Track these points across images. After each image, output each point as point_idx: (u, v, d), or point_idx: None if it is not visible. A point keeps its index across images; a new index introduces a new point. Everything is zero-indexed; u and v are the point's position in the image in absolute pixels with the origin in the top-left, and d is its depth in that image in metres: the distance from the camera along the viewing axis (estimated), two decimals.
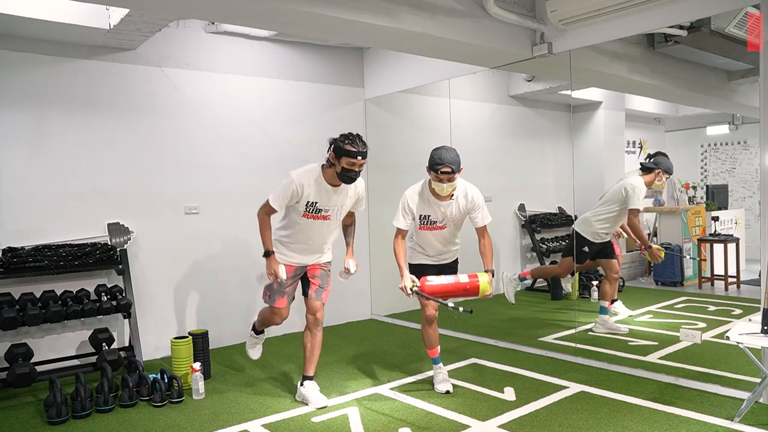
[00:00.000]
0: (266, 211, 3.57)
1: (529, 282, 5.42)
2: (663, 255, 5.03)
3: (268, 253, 3.57)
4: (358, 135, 3.45)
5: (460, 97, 6.18)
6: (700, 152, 7.22)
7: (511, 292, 5.25)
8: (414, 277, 3.57)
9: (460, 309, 3.37)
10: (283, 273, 3.58)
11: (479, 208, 3.70)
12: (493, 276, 3.58)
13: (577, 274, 5.81)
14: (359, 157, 3.40)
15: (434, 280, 3.55)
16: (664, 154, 5.00)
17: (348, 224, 3.91)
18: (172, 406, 3.70)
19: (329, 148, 3.44)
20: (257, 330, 4.08)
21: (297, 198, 3.51)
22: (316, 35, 4.89)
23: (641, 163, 5.06)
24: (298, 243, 3.66)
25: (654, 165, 4.91)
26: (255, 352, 4.09)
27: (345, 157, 3.39)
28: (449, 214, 3.71)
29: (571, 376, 4.01)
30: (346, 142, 3.38)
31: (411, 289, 3.52)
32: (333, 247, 3.88)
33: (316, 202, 3.54)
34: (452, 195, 3.67)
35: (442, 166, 3.49)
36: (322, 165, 3.55)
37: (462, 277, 3.57)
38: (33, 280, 4.25)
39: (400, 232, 3.74)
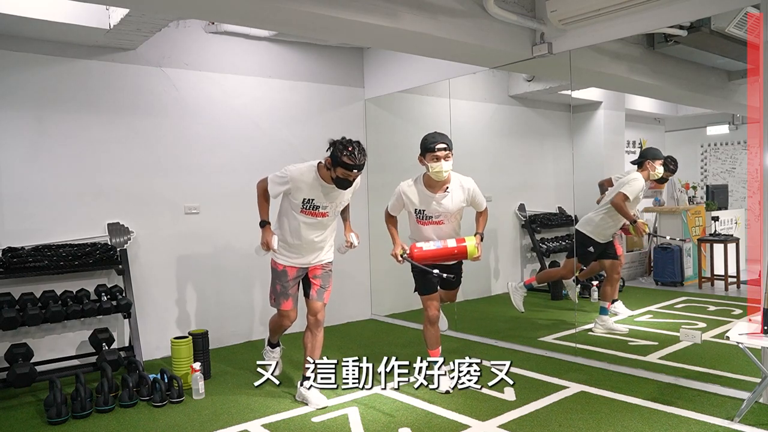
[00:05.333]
0: (264, 187, 3.67)
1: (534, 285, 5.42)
2: (647, 229, 5.04)
3: (263, 223, 3.66)
4: (357, 144, 3.40)
5: (460, 97, 6.18)
6: (700, 152, 7.22)
7: (519, 300, 5.22)
8: (404, 244, 3.71)
9: (444, 275, 3.61)
10: (275, 243, 3.62)
11: (477, 195, 3.84)
12: (481, 240, 3.71)
13: (578, 286, 5.81)
14: (355, 170, 3.39)
15: (423, 247, 3.67)
16: (650, 148, 5.10)
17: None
18: (172, 406, 3.70)
19: (328, 148, 3.43)
20: (272, 344, 4.10)
21: (289, 193, 3.56)
22: (316, 35, 4.89)
23: (631, 162, 5.17)
24: (299, 241, 3.65)
25: (641, 158, 5.00)
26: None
27: (340, 168, 3.37)
28: (444, 208, 3.73)
29: (571, 376, 4.01)
30: (345, 153, 3.33)
31: (401, 256, 3.66)
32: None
33: (313, 200, 3.55)
34: (446, 188, 3.70)
35: (437, 143, 3.60)
36: (319, 163, 3.55)
37: (450, 242, 3.69)
38: (33, 280, 4.25)
39: (390, 216, 3.93)
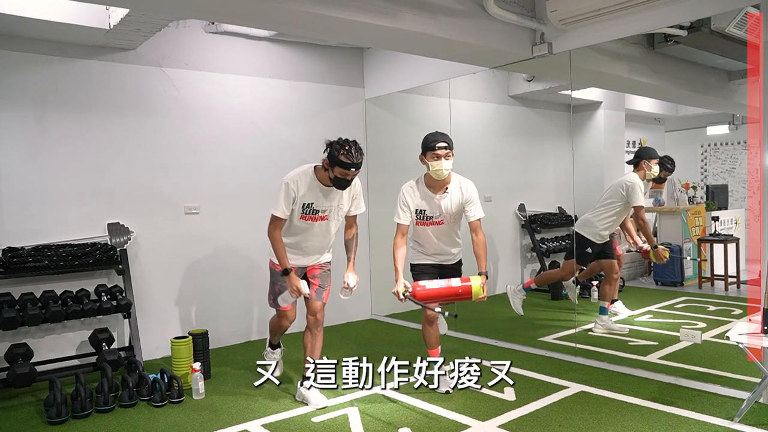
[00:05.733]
0: (275, 226, 3.53)
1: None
2: (668, 255, 5.04)
3: (287, 271, 3.52)
4: (354, 143, 3.39)
5: (460, 97, 6.18)
6: (700, 152, 7.22)
7: (518, 303, 5.20)
8: (407, 282, 3.58)
9: (446, 314, 3.49)
10: (305, 288, 3.54)
11: (473, 201, 3.73)
12: (487, 278, 3.56)
13: (578, 287, 5.81)
14: (353, 169, 3.39)
15: (426, 285, 3.54)
16: (645, 148, 5.11)
17: (349, 238, 3.85)
18: (172, 406, 3.70)
19: (325, 149, 3.43)
20: (273, 345, 4.11)
21: (295, 202, 3.51)
22: (316, 35, 4.89)
23: (627, 162, 5.17)
24: (298, 245, 3.65)
25: (637, 158, 5.00)
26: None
27: (338, 167, 3.37)
28: (444, 208, 3.72)
29: (571, 376, 4.01)
30: (342, 152, 3.32)
31: (403, 294, 3.52)
32: (333, 252, 3.88)
33: (312, 203, 3.54)
34: (446, 188, 3.69)
35: (437, 142, 3.59)
36: (315, 166, 3.55)
37: (454, 282, 3.56)
38: (33, 280, 4.25)
39: (400, 229, 3.75)
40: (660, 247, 4.98)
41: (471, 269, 3.71)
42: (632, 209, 4.89)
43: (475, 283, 3.50)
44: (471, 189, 3.75)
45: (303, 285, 3.54)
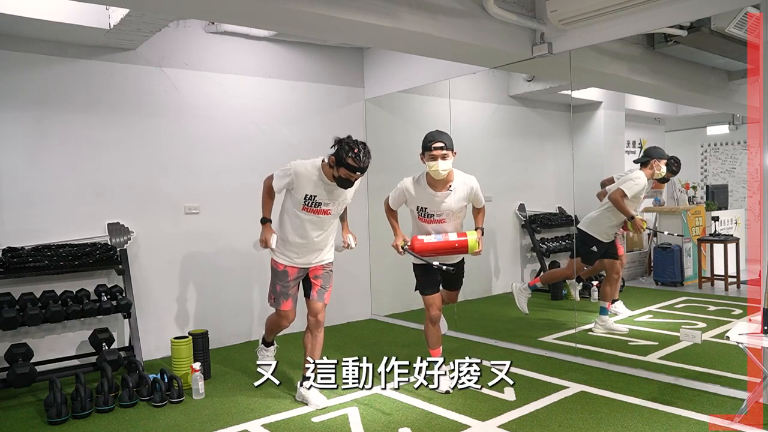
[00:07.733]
0: (269, 184, 3.68)
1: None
2: (645, 225, 5.02)
3: (264, 220, 3.70)
4: (363, 146, 3.38)
5: (460, 97, 6.18)
6: (700, 152, 7.22)
7: (524, 302, 5.20)
8: (406, 236, 3.75)
9: (444, 267, 3.62)
10: (273, 242, 3.65)
11: (477, 194, 3.86)
12: (482, 234, 3.74)
13: (580, 284, 5.79)
14: (358, 173, 3.40)
15: (425, 239, 3.69)
16: (655, 147, 5.06)
17: None
18: (172, 406, 3.70)
19: (333, 145, 3.43)
20: (267, 342, 4.11)
21: (291, 186, 3.55)
22: (316, 35, 4.89)
23: (634, 161, 5.15)
24: (300, 240, 3.65)
25: (647, 157, 4.97)
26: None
27: (344, 169, 3.38)
28: (446, 207, 3.73)
29: (571, 376, 4.01)
30: (350, 155, 3.33)
31: (402, 247, 3.69)
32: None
33: (315, 196, 3.54)
34: (449, 186, 3.70)
35: (434, 142, 3.62)
36: (323, 160, 3.55)
37: (451, 236, 3.71)
38: (33, 280, 4.25)
39: (391, 209, 3.94)
40: (637, 217, 4.94)
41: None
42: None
43: (471, 237, 3.66)
44: (474, 183, 3.82)
45: (272, 238, 3.65)
